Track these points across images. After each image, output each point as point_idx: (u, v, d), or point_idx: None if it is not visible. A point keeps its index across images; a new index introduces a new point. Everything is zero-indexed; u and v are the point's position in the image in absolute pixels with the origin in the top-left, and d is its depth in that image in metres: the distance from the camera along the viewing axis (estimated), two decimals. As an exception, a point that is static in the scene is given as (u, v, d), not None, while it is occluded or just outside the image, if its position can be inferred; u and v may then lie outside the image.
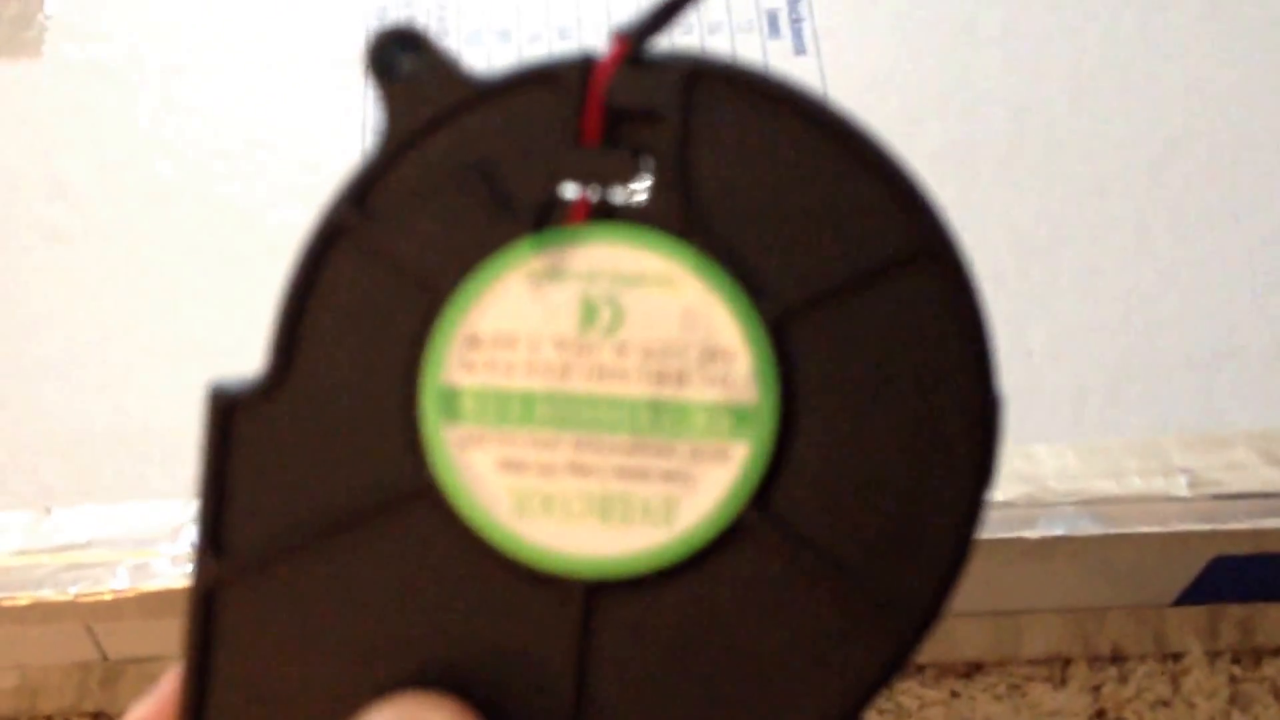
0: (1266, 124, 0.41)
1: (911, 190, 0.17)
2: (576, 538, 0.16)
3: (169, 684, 0.18)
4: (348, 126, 0.41)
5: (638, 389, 0.16)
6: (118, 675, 0.39)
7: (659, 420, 0.16)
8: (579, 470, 0.16)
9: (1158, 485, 0.36)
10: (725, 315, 0.16)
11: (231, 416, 0.17)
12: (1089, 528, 0.35)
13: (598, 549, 0.16)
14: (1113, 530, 0.35)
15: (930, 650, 0.39)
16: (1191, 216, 0.40)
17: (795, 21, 0.43)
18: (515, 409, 0.16)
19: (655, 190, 0.16)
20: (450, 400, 0.16)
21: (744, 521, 0.16)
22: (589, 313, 0.16)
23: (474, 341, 0.16)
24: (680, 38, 0.43)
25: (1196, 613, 0.39)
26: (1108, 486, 0.36)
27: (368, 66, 0.17)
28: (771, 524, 0.16)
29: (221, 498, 0.17)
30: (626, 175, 0.16)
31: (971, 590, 0.38)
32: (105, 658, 0.38)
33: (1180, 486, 0.36)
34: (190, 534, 0.34)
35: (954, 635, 0.40)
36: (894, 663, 0.16)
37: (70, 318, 0.38)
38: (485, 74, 0.17)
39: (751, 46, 0.43)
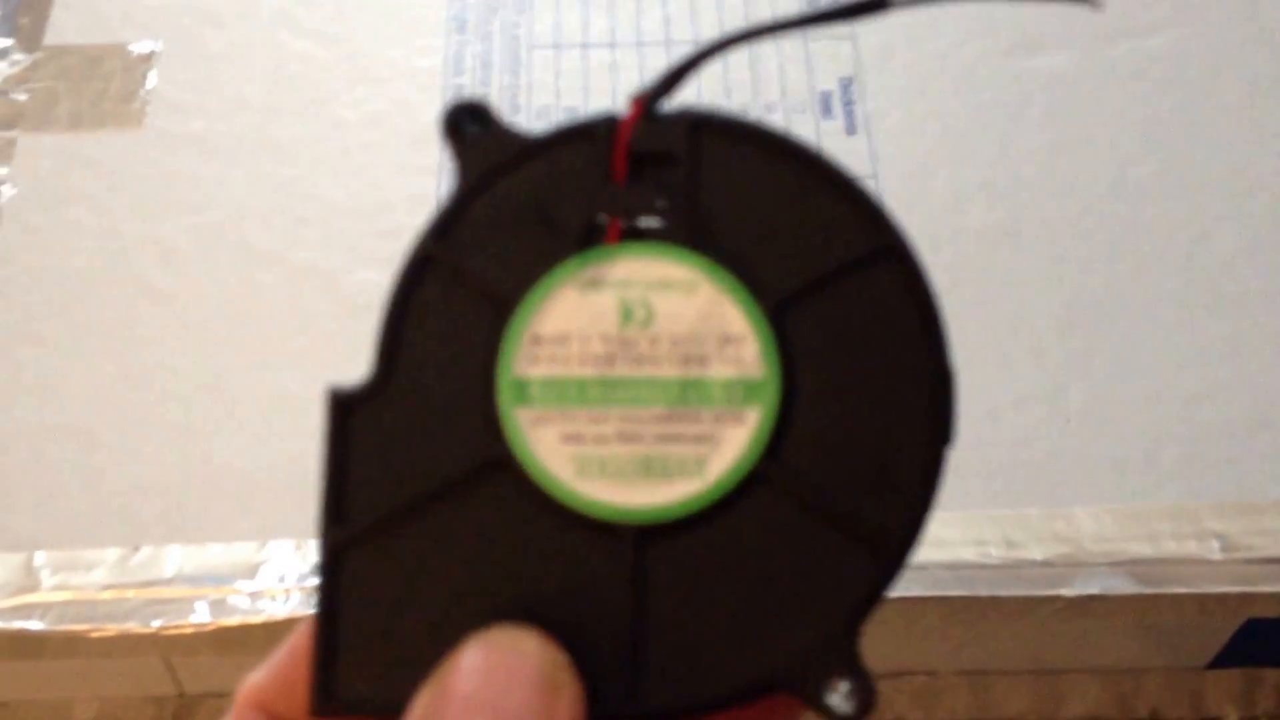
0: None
1: (872, 206, 0.21)
2: (627, 492, 0.20)
3: (288, 648, 0.21)
4: (421, 198, 0.44)
5: (669, 371, 0.20)
6: (192, 710, 0.41)
7: (687, 394, 0.20)
8: (626, 438, 0.20)
9: (1191, 548, 0.37)
10: (734, 309, 0.20)
11: (346, 412, 0.20)
12: (1124, 587, 0.37)
13: (645, 500, 0.19)
14: (1147, 590, 0.37)
15: (972, 707, 0.41)
16: (1228, 293, 0.42)
17: (847, 104, 0.46)
18: (573, 392, 0.20)
19: (672, 214, 0.20)
20: (521, 389, 0.20)
21: (760, 470, 0.19)
22: (626, 313, 0.20)
23: (537, 340, 0.20)
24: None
25: (1232, 676, 0.41)
26: (1142, 549, 0.37)
27: (443, 131, 0.21)
28: (781, 470, 0.20)
29: (341, 478, 0.20)
30: (649, 204, 0.21)
31: (1011, 647, 0.40)
32: (181, 693, 0.40)
33: (1213, 550, 0.37)
34: (265, 573, 0.37)
35: (994, 693, 0.41)
36: (884, 580, 0.19)
37: (165, 371, 0.41)
38: (534, 133, 0.21)
39: (805, 127, 0.45)
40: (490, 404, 0.20)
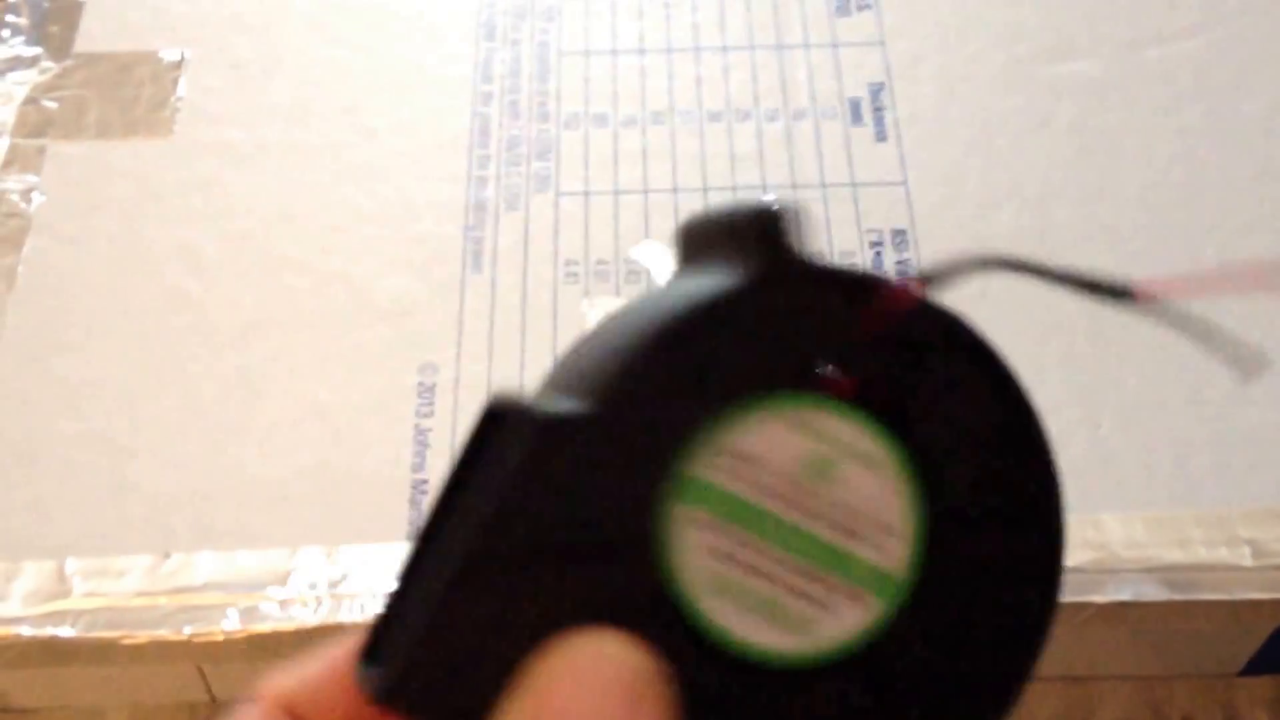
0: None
1: (1055, 497, 0.21)
2: (745, 623, 0.20)
3: (326, 660, 0.21)
4: (449, 205, 0.44)
5: (826, 533, 0.20)
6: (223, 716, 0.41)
7: (831, 559, 0.20)
8: (767, 577, 0.20)
9: (1222, 555, 0.37)
10: (905, 505, 0.21)
11: (550, 433, 0.20)
12: (1155, 594, 0.37)
13: (753, 638, 0.20)
14: (1178, 596, 0.37)
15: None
16: (1257, 302, 0.41)
17: (877, 110, 0.46)
18: (740, 511, 0.20)
19: (893, 391, 0.21)
20: (691, 486, 0.20)
21: (857, 653, 0.20)
22: (814, 464, 0.20)
23: (728, 451, 0.20)
24: (767, 124, 0.45)
25: (1264, 684, 0.40)
26: (1174, 555, 0.37)
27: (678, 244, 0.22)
28: (875, 662, 0.20)
29: (519, 495, 0.20)
30: (892, 377, 0.21)
31: (1044, 653, 0.40)
32: (213, 699, 0.41)
33: (1245, 557, 0.37)
34: (295, 581, 0.37)
35: (1026, 699, 0.41)
36: None
37: (195, 378, 0.41)
38: (833, 265, 0.22)
39: (834, 133, 0.45)
40: (660, 483, 0.20)
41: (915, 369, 0.21)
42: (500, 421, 0.20)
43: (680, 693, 0.19)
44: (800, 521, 0.20)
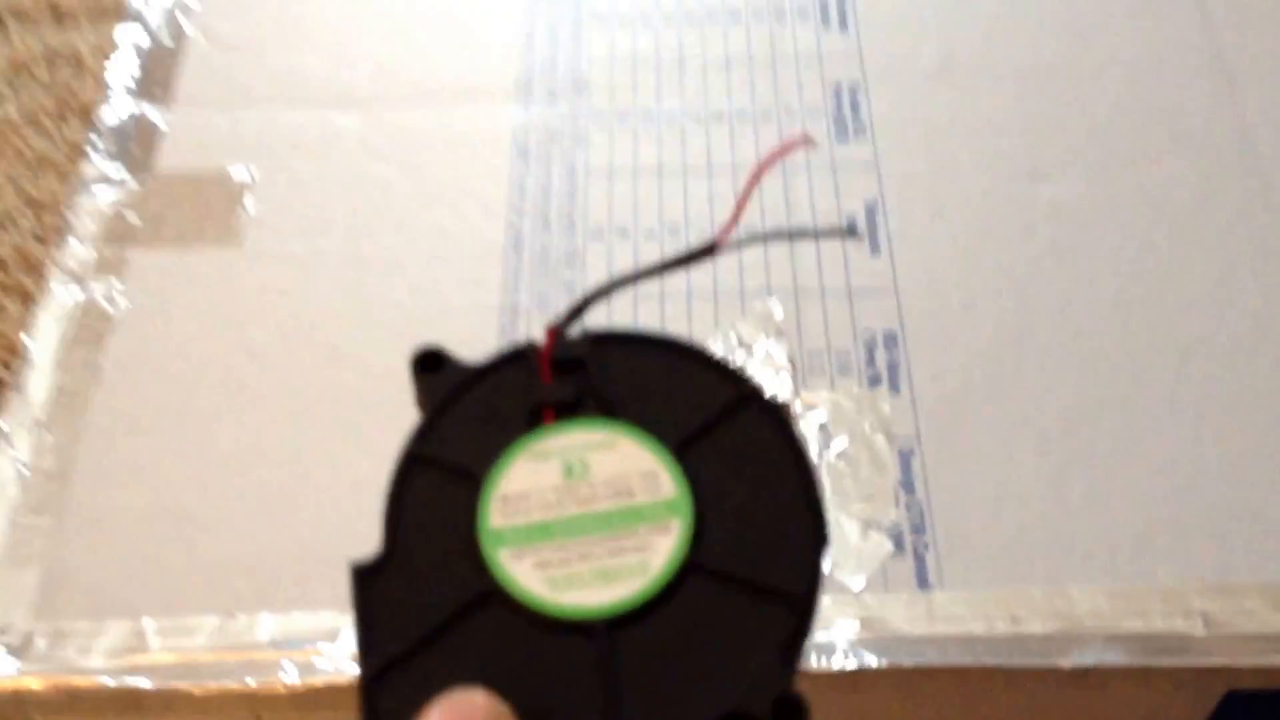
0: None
1: (732, 370, 0.28)
2: (592, 596, 0.26)
3: None
4: (485, 307, 0.49)
5: (607, 505, 0.27)
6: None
7: (624, 518, 0.26)
8: (584, 557, 0.26)
9: (1178, 625, 0.41)
10: (647, 455, 0.27)
11: (366, 580, 0.26)
12: (1117, 659, 0.41)
13: (607, 598, 0.26)
14: (1138, 662, 0.41)
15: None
16: (1215, 395, 0.46)
17: (872, 225, 0.51)
18: (537, 532, 0.26)
19: (589, 397, 0.28)
20: (498, 536, 0.26)
21: (688, 563, 0.26)
22: (569, 469, 0.27)
23: (505, 499, 0.27)
24: (772, 245, 0.50)
25: (1219, 748, 0.44)
26: (1134, 624, 0.41)
27: (412, 371, 0.29)
28: (704, 560, 0.26)
29: (369, 626, 0.26)
30: (570, 392, 0.28)
31: (1013, 714, 0.44)
32: (268, 750, 0.45)
33: (1198, 627, 0.41)
34: (345, 638, 0.41)
35: (1003, 758, 0.45)
36: (799, 625, 0.25)
37: (255, 459, 0.46)
38: (483, 359, 0.29)
39: (833, 245, 0.50)
40: (476, 551, 0.26)
41: (597, 373, 0.28)
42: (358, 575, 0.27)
43: (593, 674, 0.25)
44: (584, 510, 0.27)
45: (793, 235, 0.36)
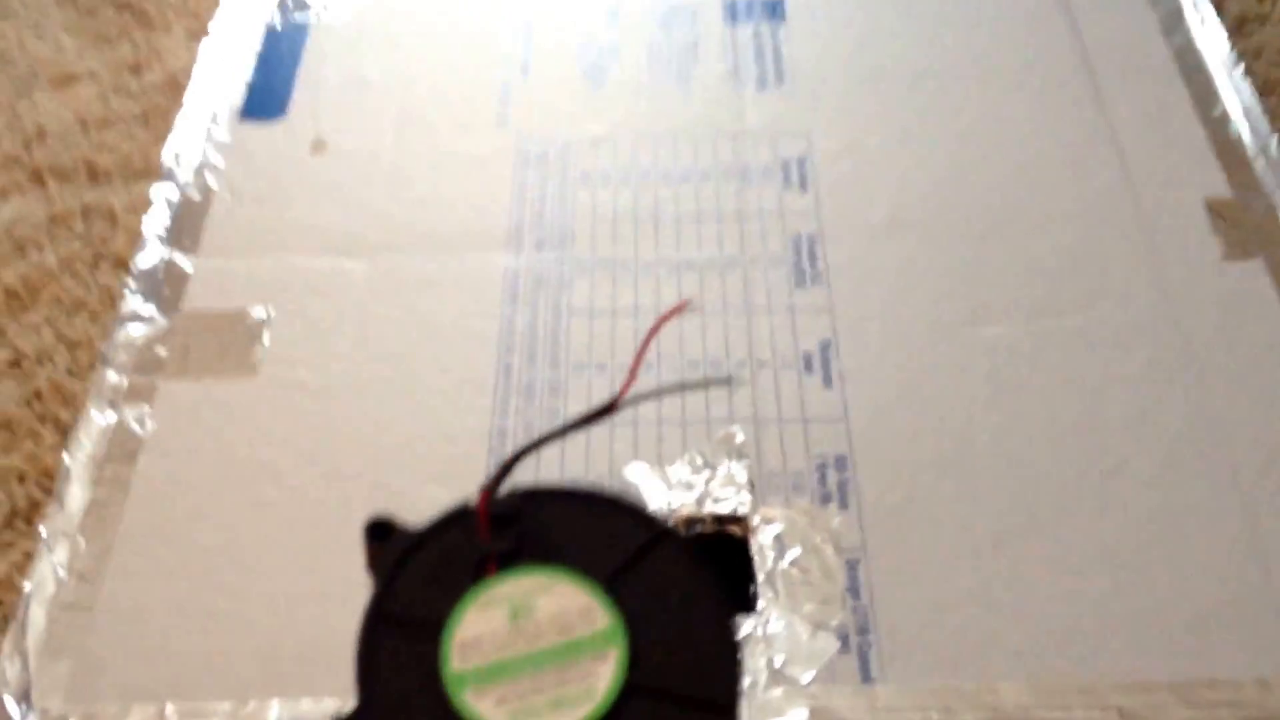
0: (1196, 449, 0.53)
1: (646, 514, 0.33)
2: None
3: None
4: (478, 431, 0.54)
5: (552, 640, 0.31)
6: None
7: (568, 651, 0.31)
8: (537, 690, 0.30)
9: (1096, 718, 0.46)
10: (582, 593, 0.32)
11: None
12: (1039, 747, 0.45)
13: None
14: (1058, 750, 0.45)
15: None
16: (1133, 515, 0.51)
17: (825, 362, 0.56)
18: (494, 672, 0.30)
19: (526, 548, 0.33)
20: (460, 679, 0.31)
21: (626, 687, 0.30)
22: (514, 612, 0.32)
23: (463, 645, 0.31)
24: (736, 371, 0.56)
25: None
26: (1056, 717, 0.46)
27: (365, 538, 0.34)
28: (641, 683, 0.30)
29: None
30: (508, 545, 0.32)
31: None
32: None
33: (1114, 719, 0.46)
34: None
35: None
36: None
37: (267, 561, 0.50)
38: (422, 525, 0.34)
39: (790, 380, 0.55)
40: (443, 694, 0.30)
41: (530, 524, 0.32)
42: None
43: None
44: (531, 648, 0.31)
45: (685, 388, 0.43)
